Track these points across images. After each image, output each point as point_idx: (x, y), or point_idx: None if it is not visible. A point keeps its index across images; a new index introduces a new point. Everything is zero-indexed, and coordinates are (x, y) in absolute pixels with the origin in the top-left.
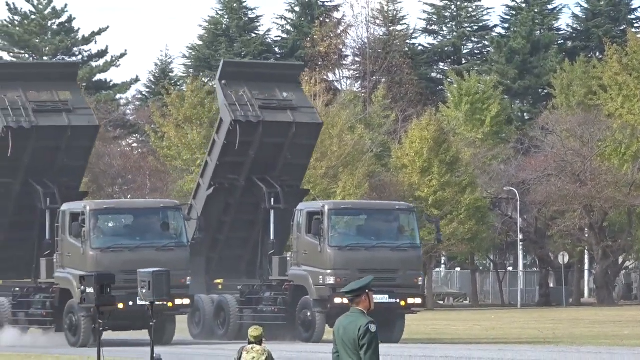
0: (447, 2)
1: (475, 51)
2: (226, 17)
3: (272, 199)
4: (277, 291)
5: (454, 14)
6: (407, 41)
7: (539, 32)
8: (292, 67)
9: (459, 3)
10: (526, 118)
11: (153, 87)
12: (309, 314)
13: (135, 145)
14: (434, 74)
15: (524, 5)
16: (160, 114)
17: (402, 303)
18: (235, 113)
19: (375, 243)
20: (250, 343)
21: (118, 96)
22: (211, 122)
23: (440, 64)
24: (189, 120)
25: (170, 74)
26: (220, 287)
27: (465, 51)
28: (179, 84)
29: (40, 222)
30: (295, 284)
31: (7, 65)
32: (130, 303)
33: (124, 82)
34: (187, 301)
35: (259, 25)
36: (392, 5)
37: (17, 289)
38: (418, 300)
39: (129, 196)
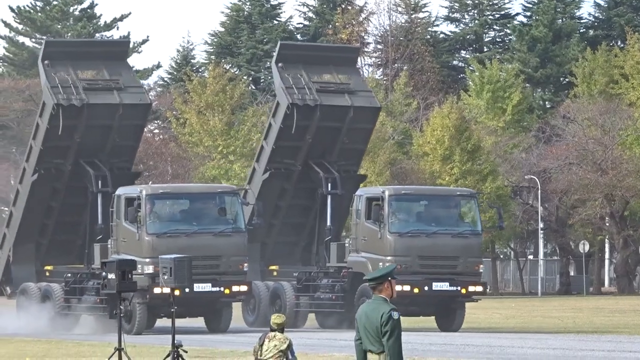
0: None
1: (497, 39)
2: (248, 3)
3: (330, 184)
4: (335, 278)
5: (476, 2)
6: (429, 29)
7: (560, 20)
8: (349, 49)
9: None
10: (547, 106)
11: (175, 73)
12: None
13: (156, 131)
14: (455, 62)
15: None
16: (181, 101)
17: (463, 291)
18: (293, 96)
19: (436, 229)
20: (272, 330)
21: (140, 82)
22: (232, 109)
23: (462, 52)
24: (211, 106)
25: (192, 61)
26: (275, 273)
27: (487, 39)
28: (200, 70)
29: (92, 205)
30: (354, 270)
31: (57, 43)
32: (187, 290)
33: (145, 68)
34: (244, 288)
35: (281, 12)
36: None
37: (69, 274)
38: (479, 288)
39: (150, 182)
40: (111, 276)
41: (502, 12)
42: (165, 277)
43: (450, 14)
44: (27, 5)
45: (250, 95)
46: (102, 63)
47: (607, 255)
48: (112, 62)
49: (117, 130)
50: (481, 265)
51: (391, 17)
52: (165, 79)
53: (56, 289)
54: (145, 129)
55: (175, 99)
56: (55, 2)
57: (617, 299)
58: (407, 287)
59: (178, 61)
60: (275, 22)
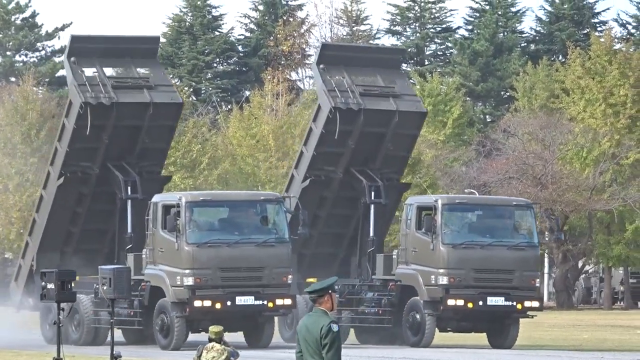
0: (410, 3)
1: (438, 52)
2: (190, 14)
3: (373, 193)
4: (381, 291)
5: (418, 15)
6: (371, 41)
7: (502, 34)
8: (394, 51)
9: (422, 4)
10: (488, 120)
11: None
12: (418, 316)
13: None
14: None
15: (487, 7)
16: None
17: (519, 306)
18: (335, 100)
19: (491, 241)
20: (210, 341)
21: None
22: None
23: (403, 64)
24: None
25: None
26: None
27: (428, 52)
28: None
29: (120, 212)
30: (402, 283)
31: (83, 39)
32: (229, 303)
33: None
34: (288, 301)
35: (223, 24)
36: (356, 5)
37: (97, 285)
38: (535, 304)
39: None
40: (50, 286)
41: (444, 26)
42: (105, 287)
43: (392, 27)
44: None
45: (191, 106)
46: (130, 60)
47: (546, 270)
48: (142, 60)
49: (147, 131)
50: (537, 280)
51: (333, 30)
52: None
53: (85, 301)
54: None
55: None
56: None
57: (556, 314)
58: (460, 302)
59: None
60: (217, 33)
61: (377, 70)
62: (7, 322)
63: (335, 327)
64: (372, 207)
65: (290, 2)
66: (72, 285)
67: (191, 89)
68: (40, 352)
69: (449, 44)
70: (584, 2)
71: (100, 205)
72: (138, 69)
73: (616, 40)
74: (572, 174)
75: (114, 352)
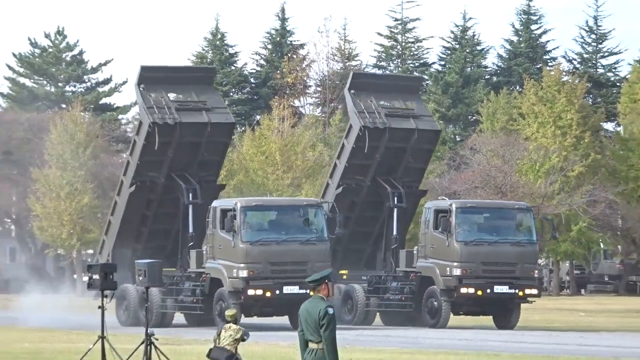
0: (393, 42)
1: None
2: (210, 52)
3: (396, 199)
4: (404, 281)
5: (399, 52)
6: None
7: (469, 68)
8: (413, 79)
9: (403, 44)
10: (458, 139)
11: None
12: (435, 302)
13: None
14: None
15: (457, 46)
16: None
17: (520, 293)
18: (364, 120)
19: (497, 239)
20: (227, 322)
21: (120, 116)
22: None
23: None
24: None
25: None
26: (344, 277)
27: None
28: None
29: (183, 215)
30: (422, 274)
31: (150, 68)
32: (277, 292)
33: (125, 104)
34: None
35: (238, 60)
36: (348, 44)
37: (163, 276)
38: (534, 291)
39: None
40: (95, 277)
41: (421, 61)
42: (141, 278)
43: (378, 62)
44: (27, 52)
45: None
46: (191, 87)
47: None
48: (200, 86)
49: (205, 147)
50: (536, 271)
51: (329, 65)
52: None
53: (154, 290)
54: (124, 155)
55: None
56: (50, 50)
57: None
58: (471, 290)
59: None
60: (233, 67)
61: (399, 94)
62: (89, 307)
63: (331, 310)
64: (395, 210)
65: (293, 42)
66: (114, 276)
67: None
68: (92, 332)
69: (425, 76)
70: (537, 42)
71: (166, 209)
72: (196, 94)
73: (564, 73)
74: (527, 183)
75: (149, 331)
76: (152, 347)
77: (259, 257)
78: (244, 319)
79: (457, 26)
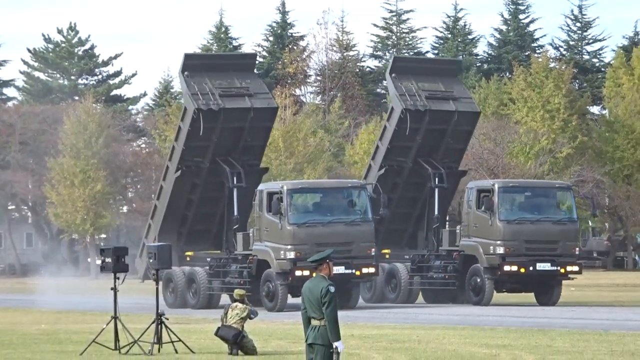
0: (389, 33)
1: None
2: (215, 45)
3: (437, 179)
4: (447, 260)
5: (395, 42)
6: (358, 64)
7: (461, 56)
8: (452, 62)
9: (398, 34)
10: None
11: (158, 100)
12: (479, 280)
13: (143, 145)
14: (379, 90)
15: (449, 35)
16: (163, 121)
17: (562, 270)
18: (406, 102)
19: (539, 217)
20: (234, 301)
21: (130, 107)
22: None
23: (384, 82)
24: None
25: (171, 90)
26: (387, 256)
27: None
28: (178, 97)
29: (228, 199)
30: (465, 253)
31: (194, 56)
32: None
33: (134, 96)
34: (372, 270)
35: (241, 52)
36: (346, 35)
37: (209, 259)
38: (575, 268)
39: (139, 186)
40: (108, 260)
41: (415, 50)
42: (151, 260)
43: (374, 52)
44: (41, 47)
45: None
46: (233, 73)
47: None
48: (242, 72)
49: (248, 131)
50: (577, 248)
51: (328, 55)
52: (150, 105)
53: (200, 273)
54: (135, 144)
55: (158, 120)
56: (63, 45)
57: None
58: (514, 268)
59: (160, 90)
60: None
61: (439, 77)
62: (103, 289)
63: (332, 289)
64: (436, 190)
65: (294, 34)
66: (125, 259)
67: None
68: (106, 313)
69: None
70: (525, 31)
71: (210, 193)
72: (239, 80)
73: (551, 60)
74: (517, 165)
75: (159, 311)
76: (163, 326)
77: (306, 238)
78: (290, 300)
79: (449, 17)
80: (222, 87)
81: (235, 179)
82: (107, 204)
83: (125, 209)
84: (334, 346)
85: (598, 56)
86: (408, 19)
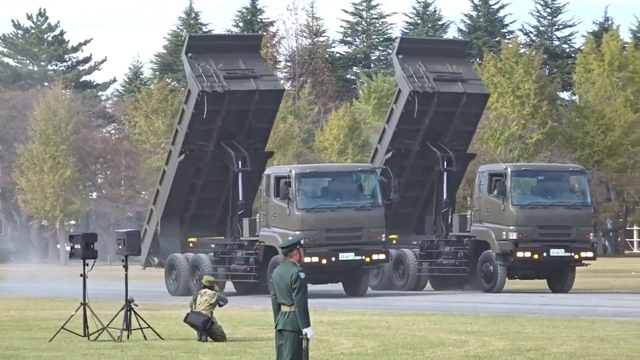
0: (359, 18)
1: (381, 57)
2: (185, 31)
3: (445, 162)
4: (457, 246)
5: (365, 28)
6: (328, 50)
7: None
8: (459, 43)
9: (368, 19)
10: None
11: (127, 86)
12: (491, 266)
13: (113, 131)
14: (348, 76)
15: (419, 21)
16: (133, 107)
17: (576, 256)
18: (414, 84)
19: (553, 202)
20: (204, 288)
21: (100, 93)
22: (173, 114)
23: (354, 67)
24: (156, 112)
25: (141, 76)
26: (394, 242)
27: (373, 57)
28: (147, 83)
29: (233, 183)
30: (477, 239)
31: (198, 37)
32: (333, 259)
33: (104, 82)
34: (382, 256)
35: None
36: (316, 21)
37: (213, 245)
38: (590, 254)
39: (108, 173)
40: (77, 246)
41: (385, 36)
42: (120, 247)
43: (345, 38)
44: (11, 33)
45: None
46: (238, 55)
47: None
48: (247, 54)
49: (254, 114)
50: (591, 234)
51: (298, 41)
52: (120, 91)
53: (204, 259)
54: (104, 130)
55: (127, 106)
56: (32, 31)
57: None
58: (528, 254)
59: (130, 76)
60: None
61: (446, 59)
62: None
63: (302, 275)
64: (445, 174)
65: (264, 20)
66: (94, 245)
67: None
68: (75, 299)
69: (390, 50)
70: (496, 16)
71: (214, 178)
72: (244, 62)
73: (521, 45)
74: (487, 151)
75: (129, 297)
76: (132, 312)
77: (315, 224)
78: None
79: (419, 2)
80: (226, 69)
81: (240, 163)
82: (76, 190)
83: (94, 195)
84: (304, 332)
85: (568, 42)
86: (378, 4)
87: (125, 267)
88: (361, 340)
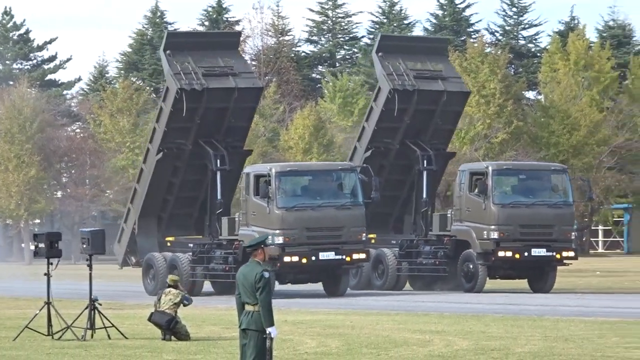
0: (324, 17)
1: (347, 57)
2: (150, 30)
3: (425, 161)
4: (437, 245)
5: (330, 27)
6: (293, 49)
7: None
8: (439, 40)
9: (334, 18)
10: None
11: (93, 84)
12: (471, 266)
13: (78, 130)
14: (314, 75)
15: (385, 20)
16: (98, 106)
17: (558, 256)
18: (394, 82)
19: (534, 201)
20: (168, 287)
21: (65, 92)
22: (137, 113)
23: (319, 66)
24: (121, 111)
25: (106, 75)
26: (373, 241)
27: (338, 57)
28: (112, 82)
29: (211, 182)
30: (457, 238)
31: (176, 34)
32: (313, 258)
33: (69, 80)
34: (363, 256)
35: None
36: (281, 20)
37: (191, 244)
38: (571, 254)
39: (73, 171)
40: (41, 245)
41: (351, 35)
42: (84, 246)
43: (310, 37)
44: None
45: (152, 102)
46: (216, 52)
47: None
48: (225, 51)
49: (232, 112)
50: (573, 233)
51: (263, 40)
52: (85, 89)
53: (183, 258)
54: (69, 129)
55: (93, 105)
56: None
57: None
58: (509, 253)
59: (95, 75)
60: None
61: (426, 56)
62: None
63: (266, 274)
64: (424, 173)
65: (229, 19)
66: (59, 244)
67: (152, 88)
68: (39, 298)
69: (355, 50)
70: (461, 15)
71: (192, 176)
72: (222, 59)
73: (486, 45)
74: (452, 150)
75: (93, 296)
76: (96, 312)
77: (295, 223)
78: (278, 287)
79: (384, 1)
80: (205, 67)
81: (218, 161)
82: (41, 189)
83: (59, 194)
84: (268, 332)
85: (534, 41)
86: (344, 3)
87: (90, 266)
88: (325, 339)
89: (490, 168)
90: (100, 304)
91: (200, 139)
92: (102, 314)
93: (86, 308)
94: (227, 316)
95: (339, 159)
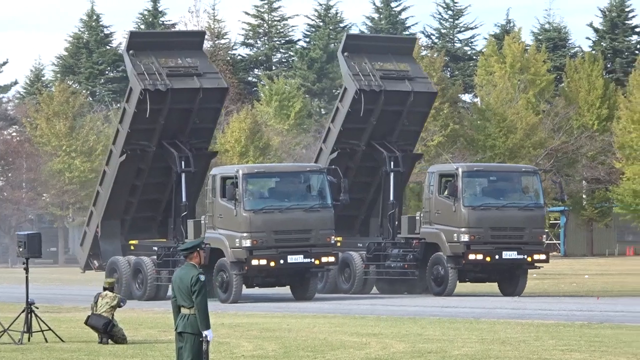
0: (260, 21)
1: (283, 60)
2: (86, 33)
3: (392, 163)
4: (406, 248)
5: (266, 30)
6: (229, 52)
7: (333, 44)
8: (406, 40)
9: (270, 22)
10: (322, 112)
11: (29, 88)
12: (441, 269)
13: (14, 134)
14: (250, 78)
15: (321, 23)
16: (34, 109)
17: (529, 259)
18: (360, 82)
19: (505, 203)
20: (105, 290)
21: (1, 95)
22: (74, 116)
23: (255, 70)
24: (57, 114)
25: (42, 78)
26: (339, 244)
27: (275, 60)
28: (49, 85)
29: (176, 184)
30: (427, 241)
31: (140, 34)
32: (282, 261)
33: (5, 84)
34: (332, 259)
35: (113, 40)
36: (217, 23)
37: (156, 248)
38: (543, 257)
39: (10, 175)
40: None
41: (287, 38)
42: (20, 249)
43: (246, 40)
44: None
45: (88, 105)
46: (180, 52)
47: None
48: (190, 51)
49: (197, 113)
50: (544, 236)
51: None
52: (22, 93)
53: (147, 262)
54: (6, 132)
55: (29, 108)
56: None
57: None
58: (480, 256)
59: (31, 78)
60: (108, 47)
61: (393, 56)
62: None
63: (202, 277)
64: (391, 175)
65: (165, 22)
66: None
67: (88, 92)
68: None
69: (291, 53)
70: (397, 18)
71: (156, 179)
72: (187, 59)
73: (423, 47)
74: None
75: (29, 300)
76: (33, 315)
77: (262, 225)
78: (245, 290)
79: (320, 5)
80: (169, 67)
81: (183, 163)
82: None
83: None
84: (204, 335)
85: (470, 44)
86: (280, 7)
87: (26, 269)
88: (262, 342)
89: (460, 170)
90: (37, 307)
91: (164, 141)
92: (39, 318)
93: (23, 311)
94: (163, 319)
95: (275, 162)
